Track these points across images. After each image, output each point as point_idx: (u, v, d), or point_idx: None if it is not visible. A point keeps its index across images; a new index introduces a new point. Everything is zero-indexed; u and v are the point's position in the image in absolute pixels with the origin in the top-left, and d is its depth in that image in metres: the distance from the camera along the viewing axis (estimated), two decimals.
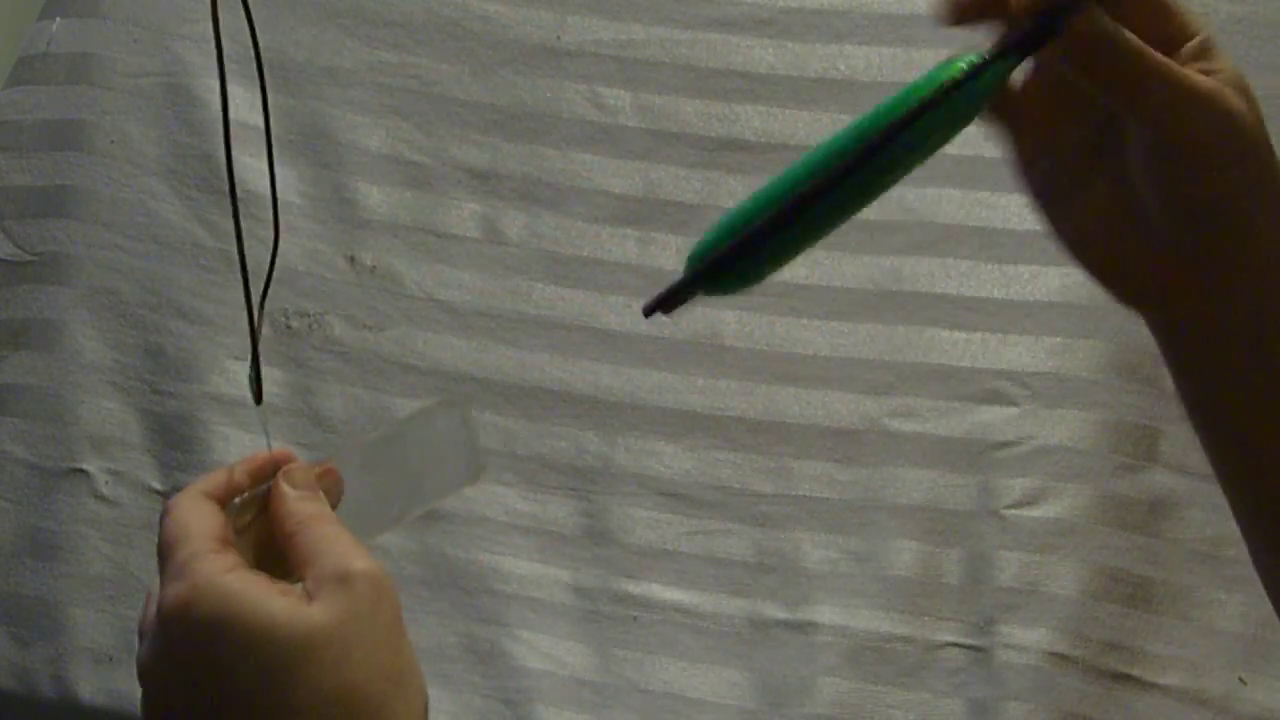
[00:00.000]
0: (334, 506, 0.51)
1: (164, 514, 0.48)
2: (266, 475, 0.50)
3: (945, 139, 0.45)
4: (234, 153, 0.96)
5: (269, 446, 0.51)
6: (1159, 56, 0.42)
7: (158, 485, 0.86)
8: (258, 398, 0.52)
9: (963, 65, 0.44)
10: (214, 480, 0.49)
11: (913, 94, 0.44)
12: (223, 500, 0.49)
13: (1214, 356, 0.45)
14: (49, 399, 0.88)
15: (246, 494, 0.49)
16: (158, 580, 0.46)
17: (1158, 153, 0.43)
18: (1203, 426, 0.47)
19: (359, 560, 0.45)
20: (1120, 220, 0.45)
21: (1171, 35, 0.44)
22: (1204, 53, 0.43)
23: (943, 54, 0.98)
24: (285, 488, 0.48)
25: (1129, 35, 0.42)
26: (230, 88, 1.00)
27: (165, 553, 0.46)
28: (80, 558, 0.84)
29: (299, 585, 0.45)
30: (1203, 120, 0.42)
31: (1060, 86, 0.46)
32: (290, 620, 0.43)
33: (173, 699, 0.44)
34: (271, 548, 0.48)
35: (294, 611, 0.43)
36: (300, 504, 0.48)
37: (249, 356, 0.50)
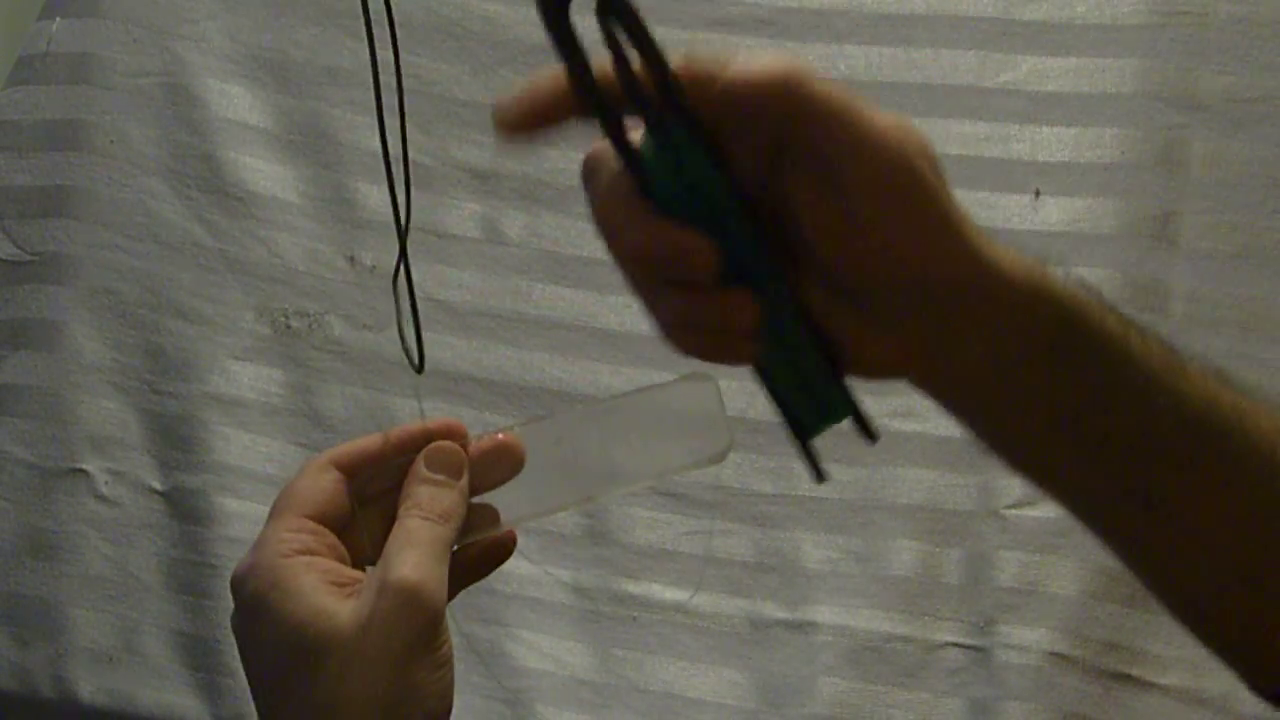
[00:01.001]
0: (502, 481, 0.50)
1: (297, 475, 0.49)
2: (417, 446, 0.49)
3: None
4: (233, 153, 0.96)
5: (421, 415, 0.51)
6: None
7: (158, 485, 0.86)
8: (419, 367, 0.51)
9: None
10: (355, 447, 0.49)
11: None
12: (354, 466, 0.49)
13: (974, 402, 0.45)
14: (49, 399, 0.88)
15: (381, 466, 0.49)
16: None
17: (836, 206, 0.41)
18: (1005, 460, 0.46)
19: (406, 568, 0.45)
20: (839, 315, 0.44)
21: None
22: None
23: (943, 54, 0.98)
24: (420, 467, 0.48)
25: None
26: (231, 88, 1.01)
27: (268, 516, 0.48)
28: (80, 558, 0.84)
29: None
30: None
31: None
32: (315, 617, 0.44)
33: (239, 650, 0.47)
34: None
35: (323, 606, 0.44)
36: (419, 488, 0.48)
37: (408, 324, 0.50)
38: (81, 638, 0.82)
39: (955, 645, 0.80)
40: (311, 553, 0.46)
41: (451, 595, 0.48)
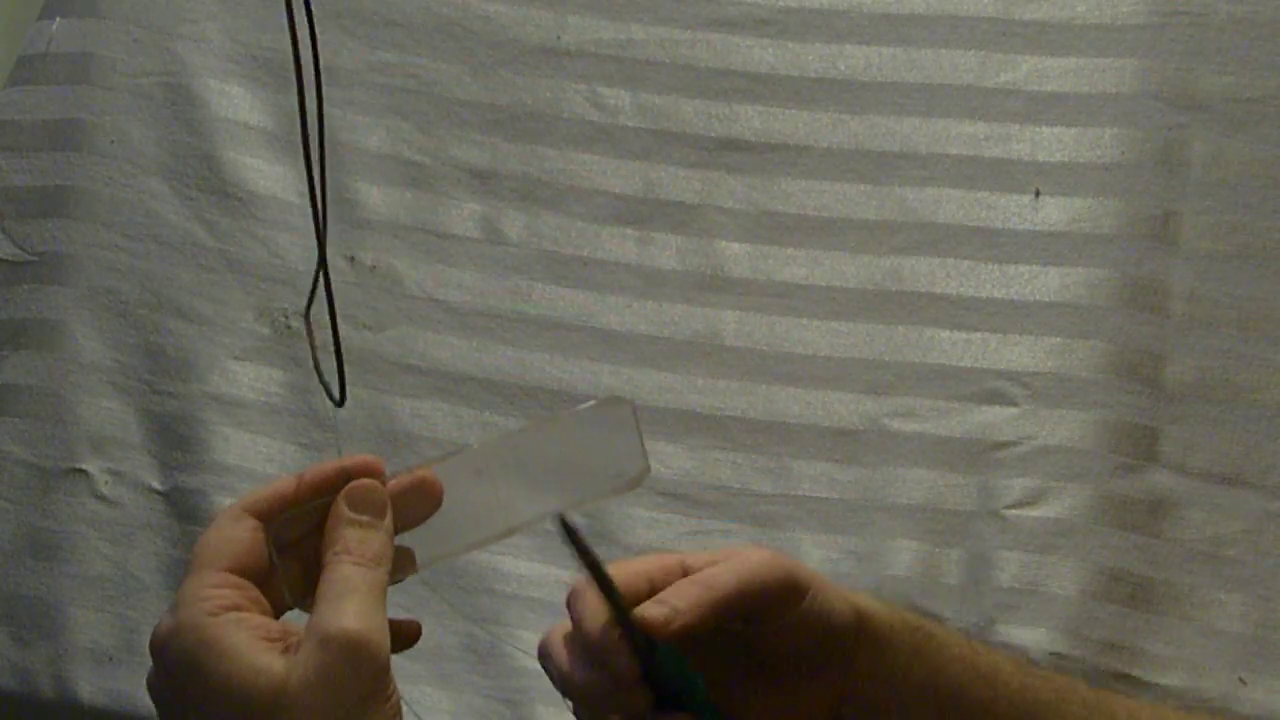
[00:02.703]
0: (420, 520, 0.47)
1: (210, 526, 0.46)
2: (333, 486, 0.46)
3: None
4: (233, 153, 0.96)
5: (339, 453, 0.49)
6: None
7: (158, 485, 0.86)
8: (340, 399, 0.49)
9: None
10: (269, 492, 0.47)
11: None
12: (270, 512, 0.46)
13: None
14: (49, 399, 0.88)
15: (297, 510, 0.46)
16: None
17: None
18: None
19: (348, 619, 0.42)
20: None
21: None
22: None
23: (943, 54, 0.98)
24: (343, 508, 0.46)
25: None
26: (231, 88, 1.01)
27: (184, 572, 0.46)
28: (80, 558, 0.84)
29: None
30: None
31: None
32: (255, 676, 0.42)
33: (162, 715, 0.45)
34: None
35: (256, 663, 0.42)
36: (346, 530, 0.45)
37: (316, 358, 0.49)
38: (81, 638, 0.82)
39: None
40: (237, 608, 0.44)
41: None
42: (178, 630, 0.44)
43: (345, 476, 0.47)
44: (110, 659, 0.82)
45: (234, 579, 0.45)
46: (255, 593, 0.45)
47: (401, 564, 0.48)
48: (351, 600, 0.43)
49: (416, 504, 0.48)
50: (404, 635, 0.50)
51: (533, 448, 0.48)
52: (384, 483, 0.47)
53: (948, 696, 0.52)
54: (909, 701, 0.53)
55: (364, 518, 0.45)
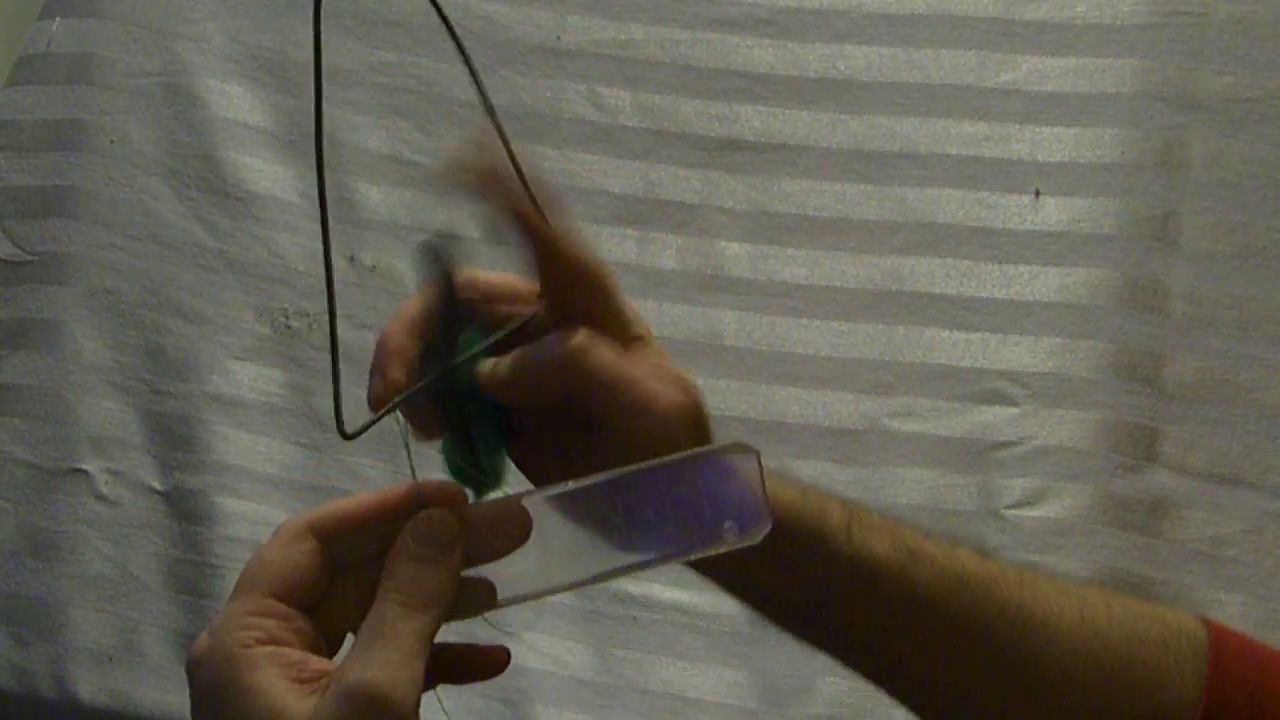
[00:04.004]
0: (503, 554, 0.44)
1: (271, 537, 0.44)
2: (406, 510, 0.43)
3: None
4: (233, 153, 0.96)
5: (413, 476, 0.44)
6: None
7: (158, 485, 0.86)
8: (340, 430, 0.46)
9: None
10: (336, 509, 0.44)
11: None
12: (334, 532, 0.44)
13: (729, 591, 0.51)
14: (49, 399, 0.88)
15: (365, 533, 0.43)
16: None
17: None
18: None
19: (376, 670, 0.40)
20: None
21: (616, 332, 0.47)
22: (640, 348, 0.48)
23: (943, 54, 0.98)
24: (406, 540, 0.43)
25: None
26: (231, 88, 1.01)
27: (234, 587, 0.43)
28: (80, 558, 0.84)
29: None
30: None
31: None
32: (273, 716, 0.40)
33: None
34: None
35: (282, 709, 0.40)
36: (402, 565, 0.42)
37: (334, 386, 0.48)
38: (81, 638, 0.82)
39: None
40: (275, 642, 0.41)
41: (426, 688, 0.42)
42: (210, 655, 0.41)
43: (418, 503, 0.44)
44: (110, 659, 0.82)
45: (279, 607, 0.42)
46: (301, 623, 0.43)
47: (479, 599, 0.45)
48: (384, 648, 0.41)
49: (500, 536, 0.44)
50: (488, 663, 0.49)
51: (639, 489, 0.44)
52: (461, 513, 0.44)
53: (821, 602, 0.48)
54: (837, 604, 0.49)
55: (426, 553, 0.43)
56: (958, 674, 0.48)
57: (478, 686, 0.81)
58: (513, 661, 0.86)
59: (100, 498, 0.86)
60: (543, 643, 0.82)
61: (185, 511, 0.85)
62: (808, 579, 0.47)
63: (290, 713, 0.40)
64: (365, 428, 0.44)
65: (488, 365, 0.46)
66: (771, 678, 0.80)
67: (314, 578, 0.43)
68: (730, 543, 0.45)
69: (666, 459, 0.44)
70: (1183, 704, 0.47)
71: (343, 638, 0.44)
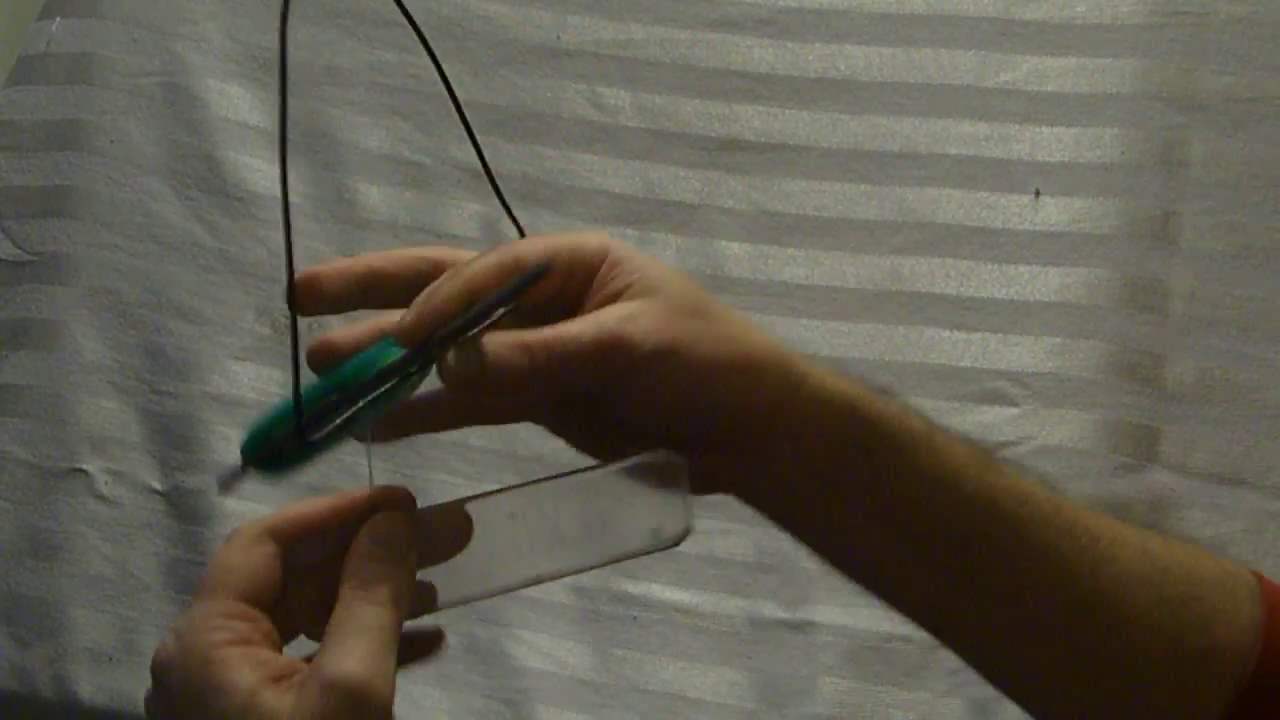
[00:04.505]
0: (445, 558, 0.45)
1: (225, 542, 0.45)
2: (358, 515, 0.45)
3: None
4: (234, 152, 0.96)
5: (371, 482, 0.45)
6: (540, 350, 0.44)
7: (158, 485, 0.86)
8: (298, 438, 0.46)
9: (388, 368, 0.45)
10: (292, 514, 0.46)
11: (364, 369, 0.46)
12: (293, 536, 0.45)
13: (795, 512, 0.50)
14: (49, 399, 0.88)
15: (327, 535, 0.44)
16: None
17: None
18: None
19: (354, 663, 0.41)
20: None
21: (589, 278, 0.46)
22: (616, 271, 0.45)
23: (943, 54, 0.98)
24: (365, 542, 0.44)
25: (496, 354, 0.44)
26: (231, 88, 1.01)
27: (195, 593, 0.44)
28: (80, 558, 0.84)
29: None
30: (627, 365, 0.44)
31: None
32: (253, 712, 0.40)
33: None
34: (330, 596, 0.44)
35: (260, 705, 0.40)
36: (364, 565, 0.43)
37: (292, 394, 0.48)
38: (81, 638, 0.82)
39: None
40: (246, 642, 0.42)
41: None
42: (183, 658, 0.42)
43: (372, 507, 0.45)
44: (110, 659, 0.82)
45: (246, 609, 0.43)
46: (266, 625, 0.44)
47: (422, 601, 0.46)
48: (359, 642, 0.41)
49: (444, 539, 0.46)
50: (426, 647, 0.49)
51: (572, 496, 0.46)
52: (412, 514, 0.45)
53: (898, 506, 0.46)
54: (843, 506, 0.47)
55: (385, 553, 0.44)
56: (1025, 587, 0.47)
57: (478, 686, 0.82)
58: (513, 661, 0.87)
59: (100, 498, 0.86)
60: (543, 643, 0.82)
61: (185, 511, 0.85)
62: (894, 471, 0.46)
63: (269, 708, 0.40)
64: (326, 435, 0.46)
65: (490, 356, 0.44)
66: (771, 678, 0.80)
67: (274, 581, 0.44)
68: (655, 547, 0.47)
69: (598, 466, 0.46)
70: (1240, 645, 0.47)
71: (291, 640, 0.45)
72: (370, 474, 0.46)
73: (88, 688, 0.81)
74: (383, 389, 0.45)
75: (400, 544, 0.44)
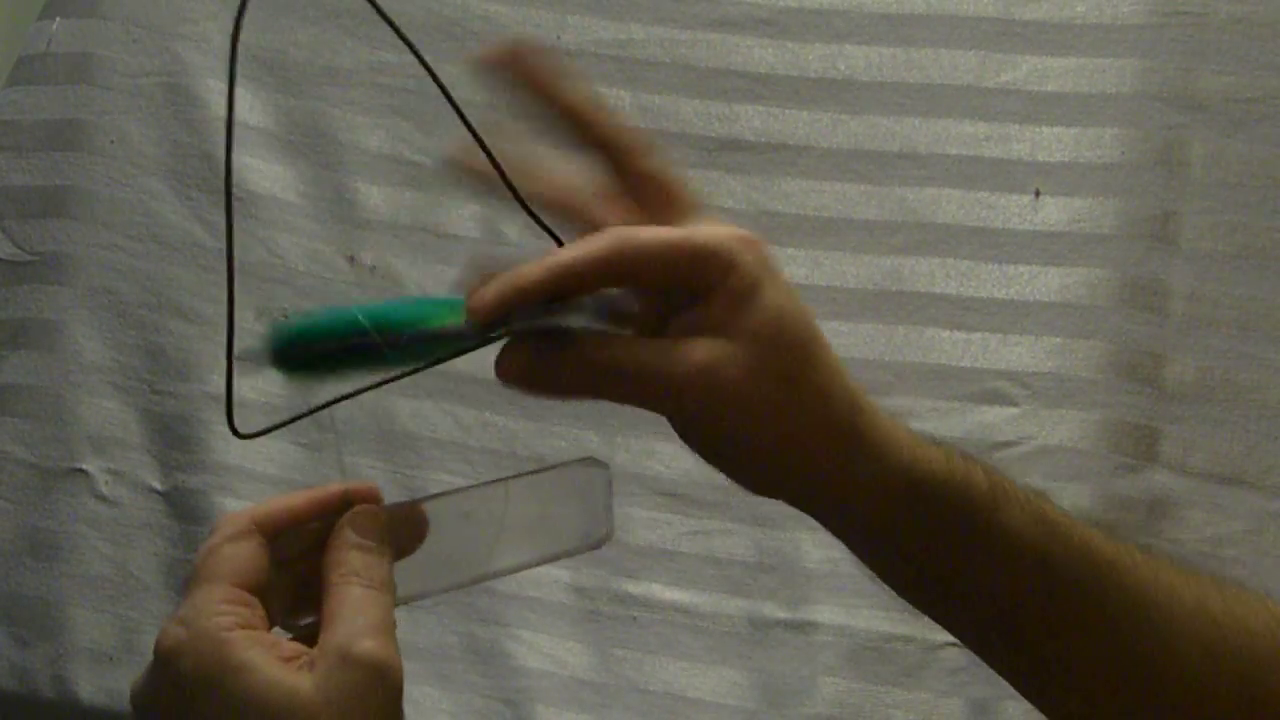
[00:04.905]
0: (407, 553, 0.47)
1: (210, 534, 0.46)
2: (335, 510, 0.46)
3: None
4: (234, 153, 0.96)
5: (342, 475, 0.48)
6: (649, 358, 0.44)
7: (158, 485, 0.86)
8: (231, 426, 0.48)
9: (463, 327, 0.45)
10: (274, 506, 0.47)
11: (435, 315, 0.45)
12: (277, 527, 0.46)
13: (851, 546, 0.50)
14: (49, 399, 0.88)
15: (305, 529, 0.46)
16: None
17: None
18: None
19: (369, 640, 0.42)
20: None
21: (670, 202, 0.47)
22: (732, 294, 0.45)
23: (943, 54, 0.98)
24: (347, 533, 0.46)
25: (620, 355, 0.44)
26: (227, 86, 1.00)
27: (188, 583, 0.45)
28: (80, 558, 0.84)
29: (310, 648, 0.44)
30: (701, 403, 0.44)
31: None
32: (277, 688, 0.41)
33: None
34: (313, 587, 0.45)
35: (283, 680, 0.42)
36: (351, 555, 0.45)
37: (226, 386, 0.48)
38: (81, 638, 0.82)
39: (955, 645, 0.79)
40: (251, 626, 0.43)
41: None
42: (194, 642, 0.43)
43: (348, 500, 0.47)
44: (110, 659, 0.82)
45: (245, 595, 0.44)
46: (261, 611, 0.45)
47: None
48: (365, 621, 0.43)
49: (403, 537, 0.47)
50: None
51: (517, 498, 0.49)
52: (382, 509, 0.47)
53: (953, 577, 0.48)
54: (897, 564, 0.50)
55: (369, 543, 0.45)
56: (1077, 652, 0.48)
57: (478, 686, 0.82)
58: (513, 661, 0.87)
59: (100, 498, 0.86)
60: (543, 643, 0.82)
61: (185, 511, 0.85)
62: (950, 545, 0.47)
63: (289, 685, 0.41)
64: (264, 431, 0.47)
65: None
66: (771, 678, 0.80)
67: (263, 570, 0.45)
68: (582, 548, 0.50)
69: (530, 472, 0.49)
70: None
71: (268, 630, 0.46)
72: (342, 467, 0.48)
73: (88, 688, 0.81)
74: (428, 349, 0.45)
75: (380, 534, 0.46)
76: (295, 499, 0.47)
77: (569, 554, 0.50)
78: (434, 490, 0.50)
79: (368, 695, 0.42)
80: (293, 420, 0.47)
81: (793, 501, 0.48)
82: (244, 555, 0.45)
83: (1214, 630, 0.48)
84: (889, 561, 0.50)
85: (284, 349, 0.47)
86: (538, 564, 0.49)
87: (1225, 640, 0.48)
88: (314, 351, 0.45)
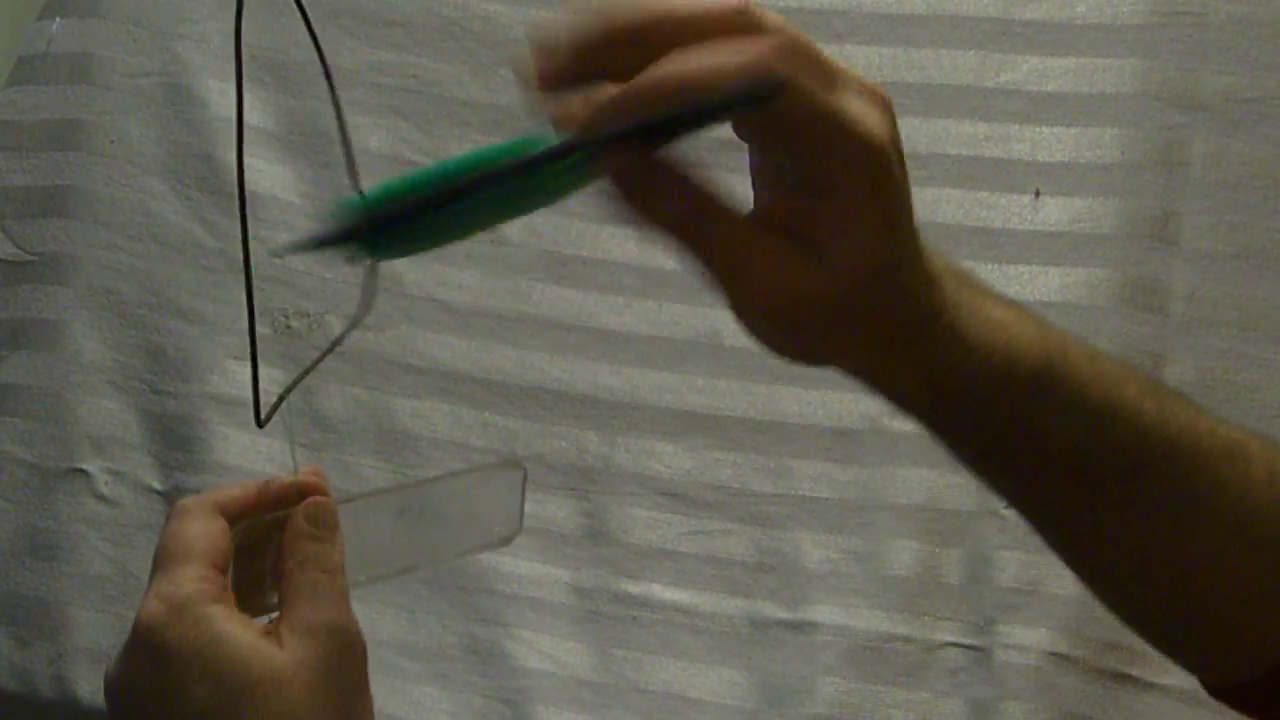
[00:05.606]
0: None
1: (172, 516, 0.48)
2: (289, 501, 0.49)
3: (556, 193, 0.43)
4: (233, 153, 0.96)
5: (295, 469, 0.50)
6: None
7: (158, 485, 0.86)
8: (259, 417, 0.50)
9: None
10: (232, 494, 0.49)
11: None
12: (236, 515, 0.48)
13: (919, 404, 0.49)
14: (49, 399, 0.88)
15: (260, 519, 0.48)
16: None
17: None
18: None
19: (333, 613, 0.45)
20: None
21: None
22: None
23: (943, 54, 0.98)
24: (302, 523, 0.48)
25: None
26: (231, 87, 1.00)
27: (159, 562, 0.46)
28: (80, 558, 0.84)
29: (276, 626, 0.46)
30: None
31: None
32: (257, 657, 0.43)
33: (132, 715, 0.45)
34: (265, 574, 0.48)
35: (262, 650, 0.44)
36: (307, 544, 0.47)
37: (251, 375, 0.50)
38: (81, 638, 0.82)
39: (955, 645, 0.80)
40: (226, 603, 0.46)
41: None
42: (176, 616, 0.44)
43: (301, 492, 0.49)
44: (110, 659, 0.82)
45: (216, 575, 0.46)
46: (230, 591, 0.47)
47: None
48: (326, 598, 0.46)
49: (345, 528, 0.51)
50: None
51: (443, 496, 0.53)
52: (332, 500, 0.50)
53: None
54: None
55: (320, 533, 0.48)
56: (1144, 498, 0.48)
57: (478, 686, 0.82)
58: (513, 661, 0.87)
59: (100, 498, 0.86)
60: (543, 643, 0.82)
61: None
62: (1051, 408, 0.48)
63: (267, 654, 0.44)
64: (270, 414, 0.50)
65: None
66: (771, 678, 0.80)
67: (227, 552, 0.47)
68: (491, 545, 0.53)
69: (453, 472, 0.53)
70: None
71: None
72: (295, 464, 0.50)
73: (88, 688, 0.81)
74: (518, 177, 0.41)
75: (332, 525, 0.48)
76: (247, 488, 0.49)
77: (479, 550, 0.54)
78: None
79: (344, 661, 0.45)
80: (302, 376, 0.48)
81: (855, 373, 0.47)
82: (211, 537, 0.47)
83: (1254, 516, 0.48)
84: (968, 415, 0.49)
85: (370, 218, 0.41)
86: (457, 559, 0.54)
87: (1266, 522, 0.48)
88: (406, 207, 0.41)
